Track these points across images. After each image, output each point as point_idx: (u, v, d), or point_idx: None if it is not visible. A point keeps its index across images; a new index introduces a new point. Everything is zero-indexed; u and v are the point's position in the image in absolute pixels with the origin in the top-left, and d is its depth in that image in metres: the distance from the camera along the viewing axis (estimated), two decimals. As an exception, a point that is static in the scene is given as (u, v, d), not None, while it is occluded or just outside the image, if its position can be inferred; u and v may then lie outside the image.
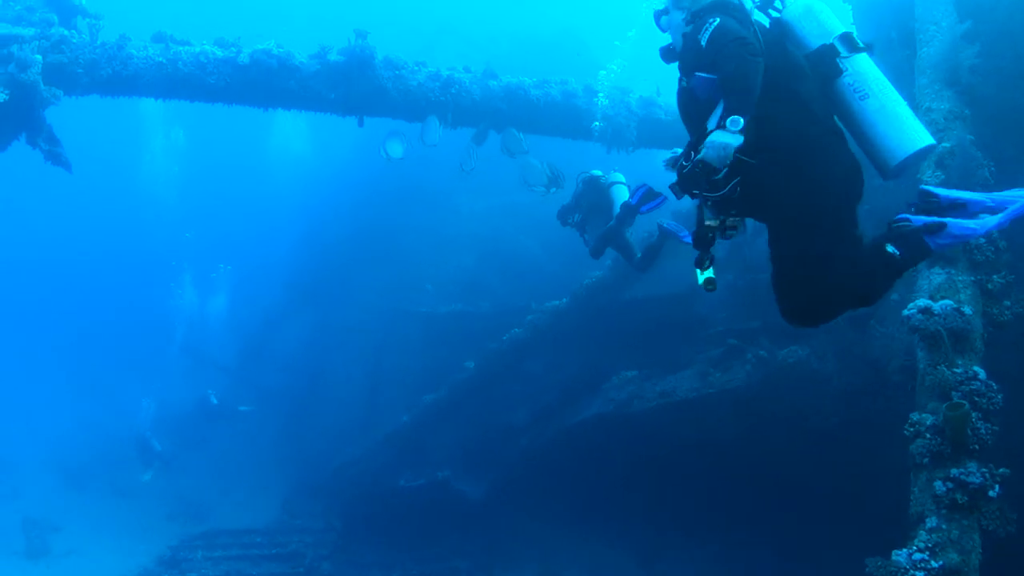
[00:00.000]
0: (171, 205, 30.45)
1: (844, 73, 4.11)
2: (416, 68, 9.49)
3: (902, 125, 4.07)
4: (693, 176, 4.02)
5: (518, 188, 20.25)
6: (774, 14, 4.30)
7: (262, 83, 9.08)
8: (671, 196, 4.63)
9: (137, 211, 30.43)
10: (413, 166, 19.88)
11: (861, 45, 4.14)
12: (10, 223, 29.22)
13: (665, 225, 8.69)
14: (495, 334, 15.28)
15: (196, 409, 20.71)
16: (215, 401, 20.55)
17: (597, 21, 24.40)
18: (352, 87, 9.21)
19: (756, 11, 4.26)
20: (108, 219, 30.48)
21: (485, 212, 20.71)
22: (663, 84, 11.28)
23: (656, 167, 5.03)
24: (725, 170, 3.87)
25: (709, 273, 4.26)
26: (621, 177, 9.46)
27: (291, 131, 27.72)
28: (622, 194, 9.21)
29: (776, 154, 3.96)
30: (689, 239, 9.18)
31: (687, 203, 4.80)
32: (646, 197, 8.93)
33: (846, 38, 4.13)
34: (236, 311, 25.41)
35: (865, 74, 4.12)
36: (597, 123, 10.06)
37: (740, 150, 3.79)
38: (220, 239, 28.53)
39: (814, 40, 4.18)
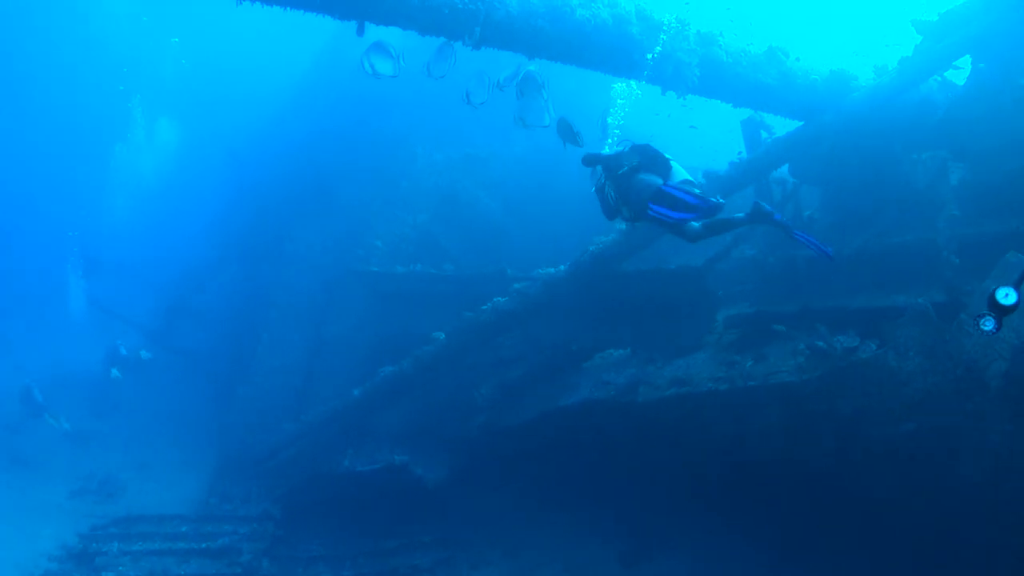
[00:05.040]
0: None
1: None
2: (439, -33, 7.42)
3: None
4: None
5: (487, 133, 18.38)
6: None
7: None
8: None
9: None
10: (365, 102, 17.75)
11: None
12: None
13: (777, 216, 6.47)
14: (464, 301, 13.42)
15: (105, 365, 18.22)
16: (124, 352, 18.17)
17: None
18: (359, -20, 7.10)
19: None
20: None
21: (444, 164, 18.59)
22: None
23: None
24: None
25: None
26: (677, 166, 7.43)
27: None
28: (680, 172, 7.16)
29: None
30: (804, 239, 6.61)
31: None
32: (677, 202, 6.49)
33: None
34: (155, 262, 22.63)
35: None
36: (651, 55, 8.20)
37: None
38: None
39: None
